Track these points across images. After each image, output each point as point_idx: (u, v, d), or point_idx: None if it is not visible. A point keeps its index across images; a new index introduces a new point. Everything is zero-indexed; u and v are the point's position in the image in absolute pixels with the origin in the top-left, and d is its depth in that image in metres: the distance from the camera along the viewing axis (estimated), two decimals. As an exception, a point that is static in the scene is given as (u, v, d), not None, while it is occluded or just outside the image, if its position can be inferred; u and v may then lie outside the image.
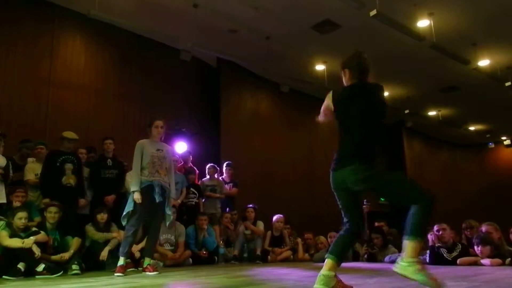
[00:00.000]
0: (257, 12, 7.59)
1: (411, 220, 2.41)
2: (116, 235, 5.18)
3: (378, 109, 2.64)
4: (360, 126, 2.61)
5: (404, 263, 2.37)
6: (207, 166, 7.32)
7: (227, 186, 7.41)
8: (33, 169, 5.52)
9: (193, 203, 6.77)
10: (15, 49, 6.91)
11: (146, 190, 4.51)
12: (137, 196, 4.43)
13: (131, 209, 4.46)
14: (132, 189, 4.51)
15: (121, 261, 4.36)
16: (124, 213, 4.52)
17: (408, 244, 2.40)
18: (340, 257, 2.58)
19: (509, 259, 4.85)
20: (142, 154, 4.62)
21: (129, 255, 4.91)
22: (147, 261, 4.55)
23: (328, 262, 2.56)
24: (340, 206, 2.71)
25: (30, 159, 5.72)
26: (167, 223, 4.88)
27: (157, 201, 4.51)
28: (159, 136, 4.80)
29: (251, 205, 7.09)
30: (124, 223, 4.59)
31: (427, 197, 2.40)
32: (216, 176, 7.28)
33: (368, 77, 2.74)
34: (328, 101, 2.80)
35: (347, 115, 2.67)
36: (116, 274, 4.17)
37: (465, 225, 5.90)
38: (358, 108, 2.62)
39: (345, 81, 2.81)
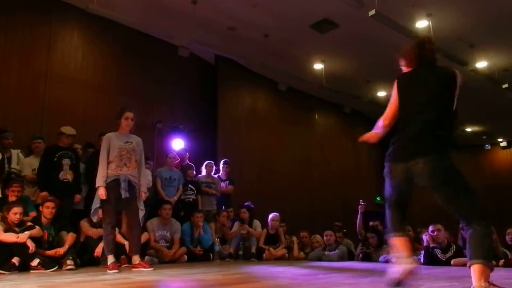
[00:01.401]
0: (255, 10, 7.57)
1: (476, 242, 2.20)
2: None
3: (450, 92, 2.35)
4: (432, 106, 2.31)
5: None
6: (206, 163, 7.31)
7: (223, 184, 7.41)
8: (30, 164, 5.50)
9: (191, 199, 6.76)
10: (12, 42, 6.85)
11: (112, 186, 4.39)
12: (101, 192, 4.34)
13: (97, 205, 4.43)
14: (96, 184, 4.40)
15: (110, 259, 4.34)
16: (92, 210, 4.50)
17: (475, 269, 2.14)
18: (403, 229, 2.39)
19: (503, 260, 4.89)
20: (109, 148, 4.50)
21: (125, 250, 4.91)
22: (135, 258, 4.48)
23: (399, 240, 2.31)
24: (391, 188, 2.40)
25: (14, 151, 5.59)
26: (141, 219, 4.65)
27: (123, 196, 4.39)
28: (128, 129, 4.67)
29: (245, 204, 7.07)
30: (94, 220, 4.59)
31: (487, 222, 2.25)
32: (212, 173, 7.28)
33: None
34: (394, 93, 2.52)
35: (417, 95, 2.39)
36: (109, 271, 4.15)
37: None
38: (430, 87, 2.36)
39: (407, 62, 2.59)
